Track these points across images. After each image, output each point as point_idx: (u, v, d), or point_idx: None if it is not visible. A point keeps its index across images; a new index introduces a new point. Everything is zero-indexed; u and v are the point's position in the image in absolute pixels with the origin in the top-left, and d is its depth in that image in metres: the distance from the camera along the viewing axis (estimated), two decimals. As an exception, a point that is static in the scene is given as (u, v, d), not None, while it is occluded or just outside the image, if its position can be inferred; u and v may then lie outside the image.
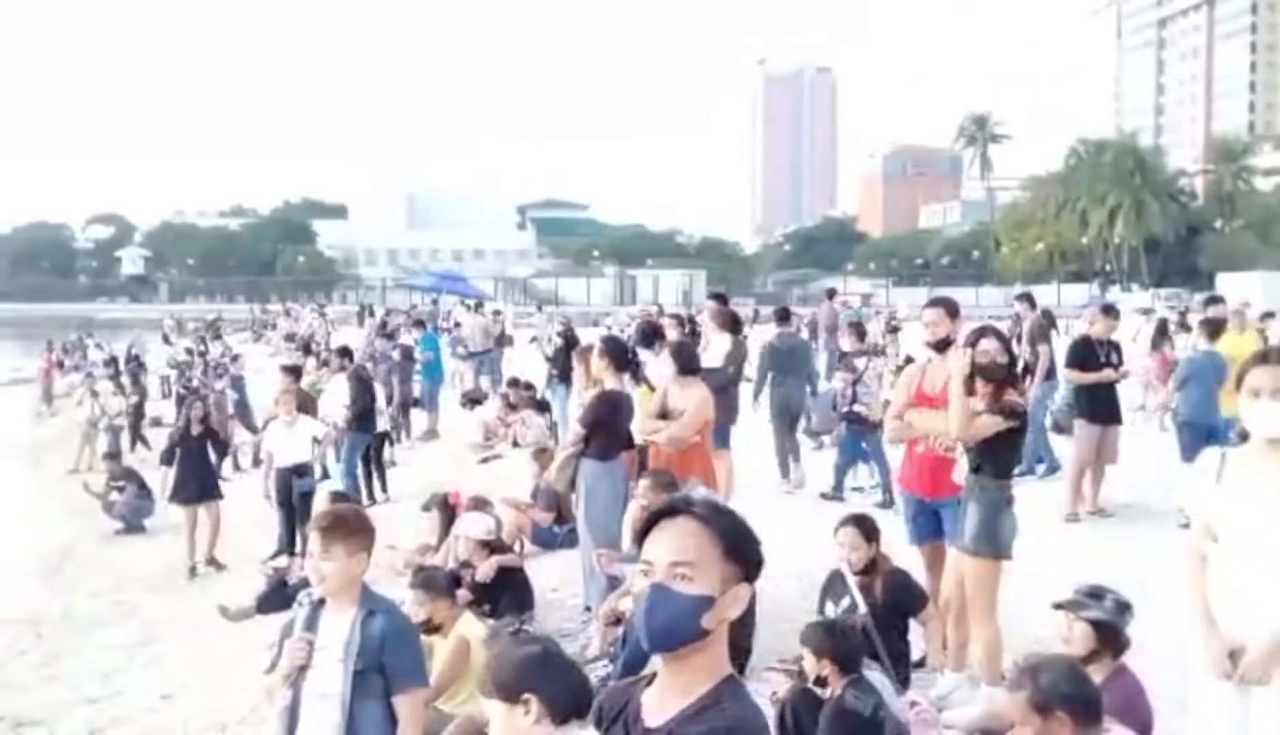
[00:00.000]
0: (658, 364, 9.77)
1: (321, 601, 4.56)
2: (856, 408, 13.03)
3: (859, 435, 13.05)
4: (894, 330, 27.54)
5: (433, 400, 21.53)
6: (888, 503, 11.64)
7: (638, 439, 8.89)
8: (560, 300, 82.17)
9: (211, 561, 13.82)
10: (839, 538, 6.84)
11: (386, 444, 17.04)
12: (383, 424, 16.56)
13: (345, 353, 16.82)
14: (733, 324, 12.51)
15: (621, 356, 9.00)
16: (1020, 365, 13.26)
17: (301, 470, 13.29)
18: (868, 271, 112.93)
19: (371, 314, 41.84)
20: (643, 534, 2.44)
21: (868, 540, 6.79)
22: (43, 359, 35.81)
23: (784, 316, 14.71)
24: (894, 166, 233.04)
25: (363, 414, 15.42)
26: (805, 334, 33.36)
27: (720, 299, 13.75)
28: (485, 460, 17.46)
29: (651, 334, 11.56)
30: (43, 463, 23.95)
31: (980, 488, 6.37)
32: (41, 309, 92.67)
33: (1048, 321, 15.19)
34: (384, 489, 15.98)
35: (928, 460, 7.10)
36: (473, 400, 21.53)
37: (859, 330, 15.38)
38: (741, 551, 2.40)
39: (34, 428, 29.81)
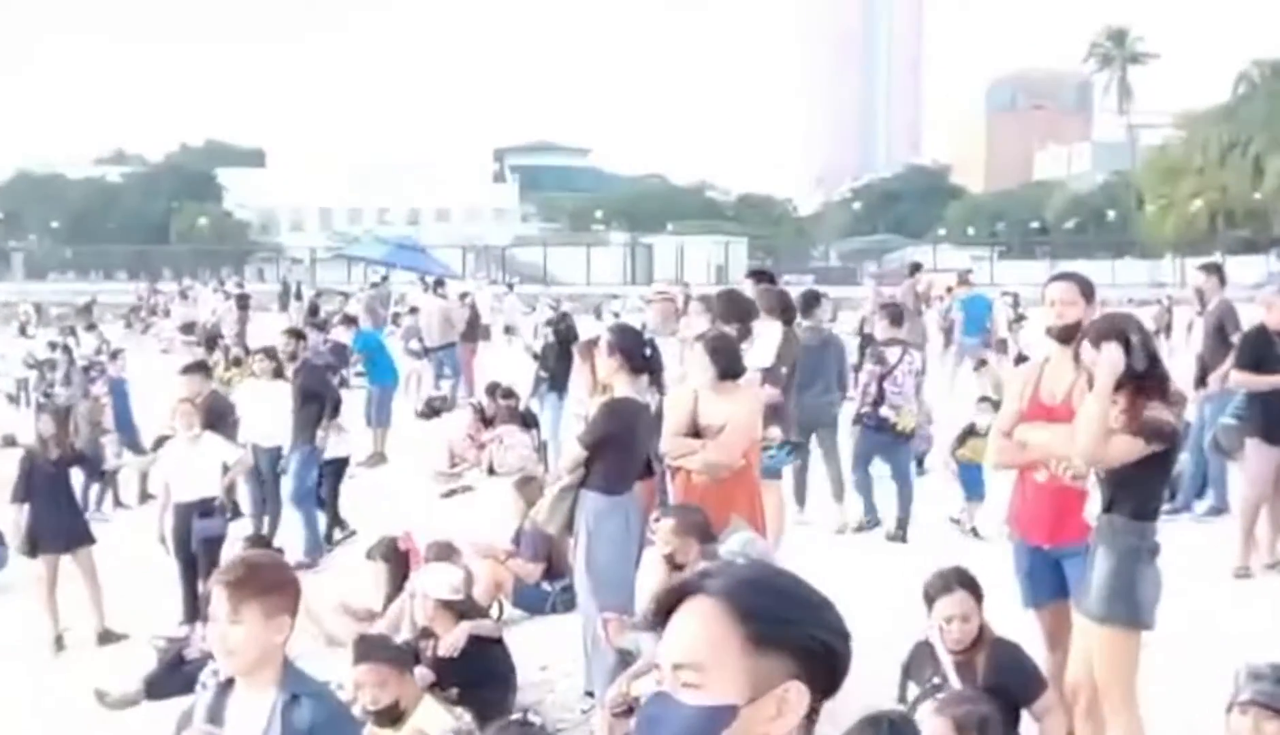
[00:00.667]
0: (688, 364, 9.79)
1: (230, 682, 4.53)
2: (882, 411, 13.29)
3: (878, 447, 13.49)
4: (1020, 318, 27.64)
5: (381, 412, 21.59)
6: (900, 536, 12.06)
7: (667, 463, 8.94)
8: (551, 277, 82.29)
9: (105, 634, 13.79)
10: (942, 605, 6.72)
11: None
12: (341, 446, 16.58)
13: (270, 354, 16.86)
14: (783, 309, 12.52)
15: (637, 353, 9.00)
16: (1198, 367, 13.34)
17: (206, 508, 13.31)
18: (965, 238, 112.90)
19: (298, 296, 42.13)
20: (662, 616, 2.31)
21: (979, 604, 6.73)
22: None
23: (812, 302, 14.67)
24: (1001, 98, 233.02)
25: (314, 422, 15.52)
26: (876, 321, 33.35)
27: (763, 276, 13.74)
28: (451, 493, 17.51)
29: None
30: None
31: (1112, 532, 6.35)
32: None
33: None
34: (341, 528, 16.01)
35: (1049, 493, 7.07)
36: (433, 410, 21.62)
37: (894, 313, 15.46)
38: (782, 635, 2.22)
39: None
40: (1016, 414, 7.21)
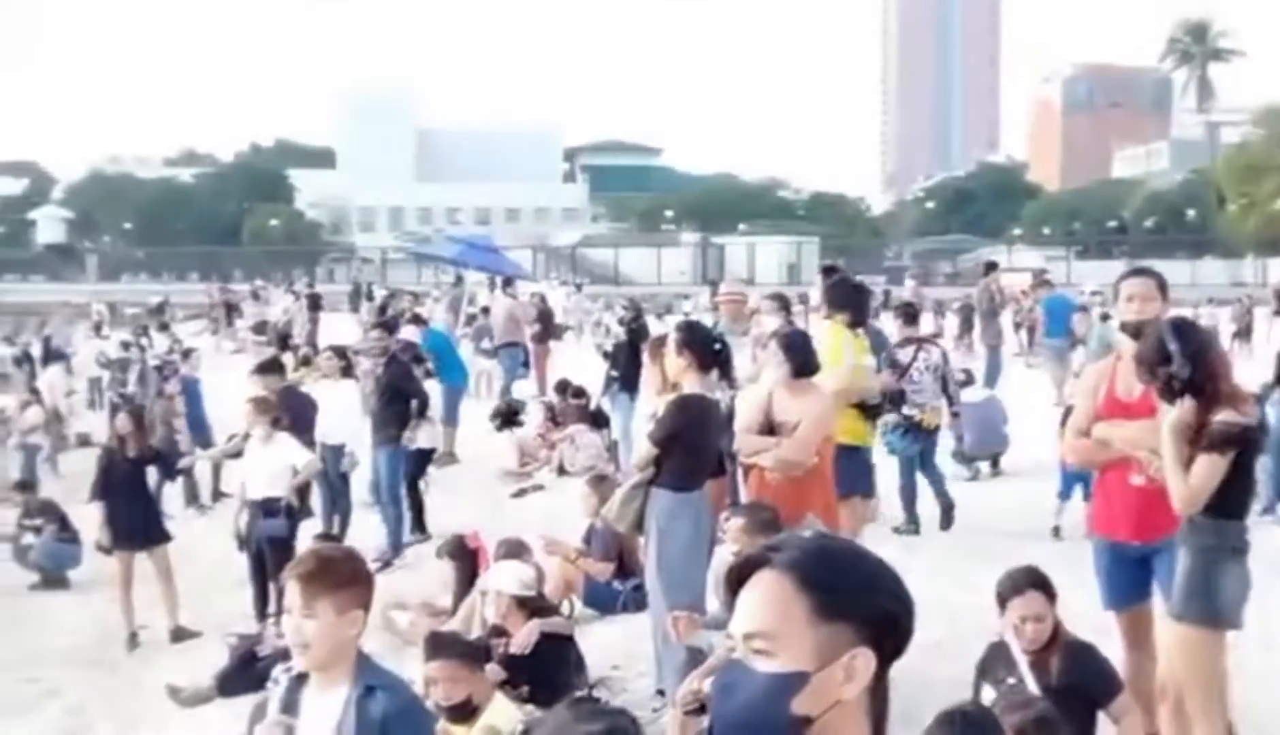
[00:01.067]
0: (762, 361, 9.79)
1: (303, 676, 4.54)
2: (905, 411, 13.44)
3: (913, 449, 13.65)
4: (1104, 318, 27.35)
5: (451, 413, 21.63)
6: (912, 528, 12.33)
7: (739, 461, 8.94)
8: (622, 277, 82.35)
9: (178, 631, 13.96)
10: (1015, 606, 6.68)
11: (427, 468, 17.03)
12: (428, 438, 16.61)
13: (339, 353, 16.97)
14: (854, 307, 12.49)
15: (707, 349, 9.01)
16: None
17: (271, 508, 13.41)
18: (1041, 238, 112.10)
19: (369, 296, 42.35)
20: (733, 590, 2.42)
21: (1052, 605, 6.69)
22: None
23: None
24: (1078, 95, 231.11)
25: (401, 418, 15.62)
26: (953, 323, 33.14)
27: (834, 273, 13.73)
28: (521, 492, 17.56)
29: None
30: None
31: (1191, 530, 6.29)
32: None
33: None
34: (422, 529, 16.07)
35: (1136, 490, 6.99)
36: (511, 413, 21.52)
37: (908, 313, 15.49)
38: (847, 604, 2.32)
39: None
40: (1092, 412, 7.14)
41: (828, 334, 10.57)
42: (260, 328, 36.52)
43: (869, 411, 10.86)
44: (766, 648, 2.31)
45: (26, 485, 19.52)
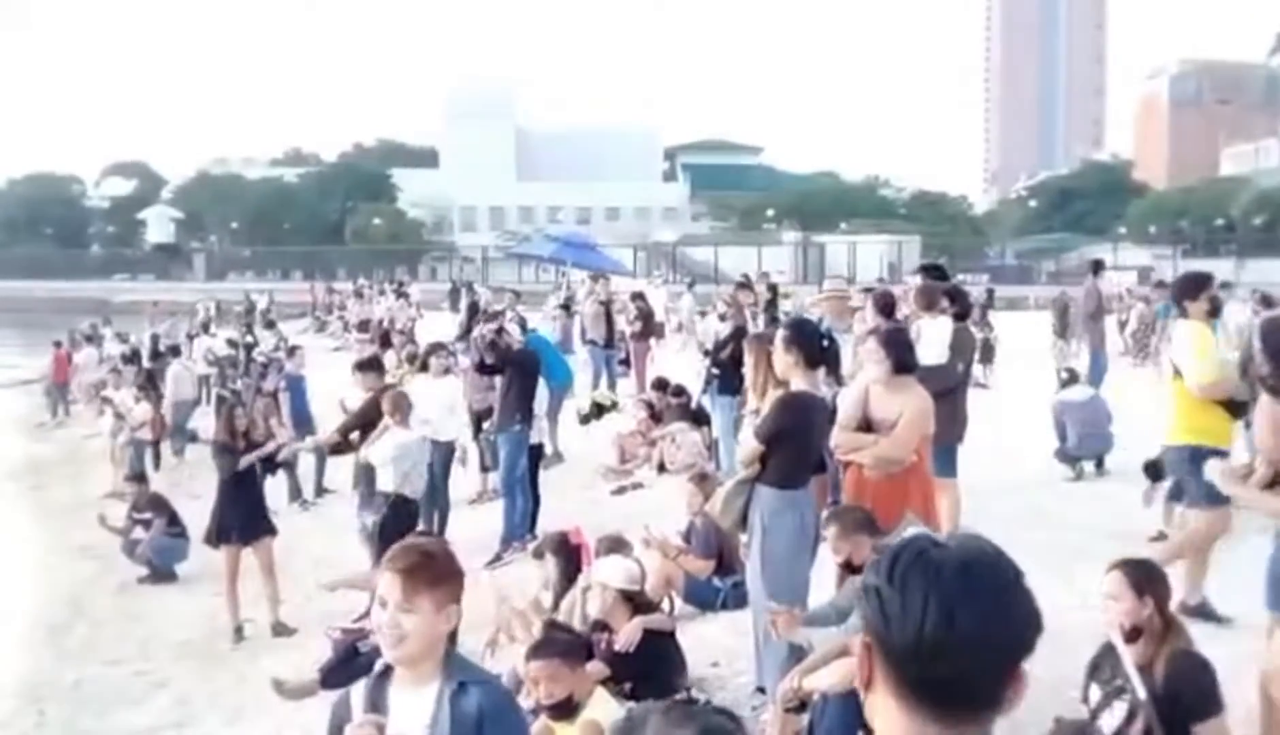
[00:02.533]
0: (862, 358, 9.73)
1: (386, 673, 4.42)
2: None
3: None
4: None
5: (554, 413, 21.45)
6: None
7: (837, 458, 8.90)
8: (722, 276, 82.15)
9: (278, 627, 14.15)
10: (1103, 584, 6.62)
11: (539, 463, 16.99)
12: (535, 434, 16.62)
13: (439, 348, 17.10)
14: (960, 303, 12.41)
15: (815, 346, 8.96)
16: None
17: (372, 501, 13.69)
18: (1147, 236, 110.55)
19: (470, 292, 42.51)
20: None
21: (1139, 593, 6.57)
22: (51, 354, 36.82)
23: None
24: (1185, 90, 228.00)
25: (524, 405, 15.68)
26: (1052, 321, 32.73)
27: (934, 271, 13.63)
28: (621, 490, 17.58)
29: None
30: (47, 488, 24.78)
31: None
32: (43, 288, 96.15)
33: None
34: (531, 527, 15.97)
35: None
36: (592, 415, 21.49)
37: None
38: None
39: (37, 443, 30.89)
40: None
41: (1191, 330, 10.23)
42: (364, 326, 36.87)
43: (1236, 409, 10.24)
44: None
45: (137, 478, 19.63)
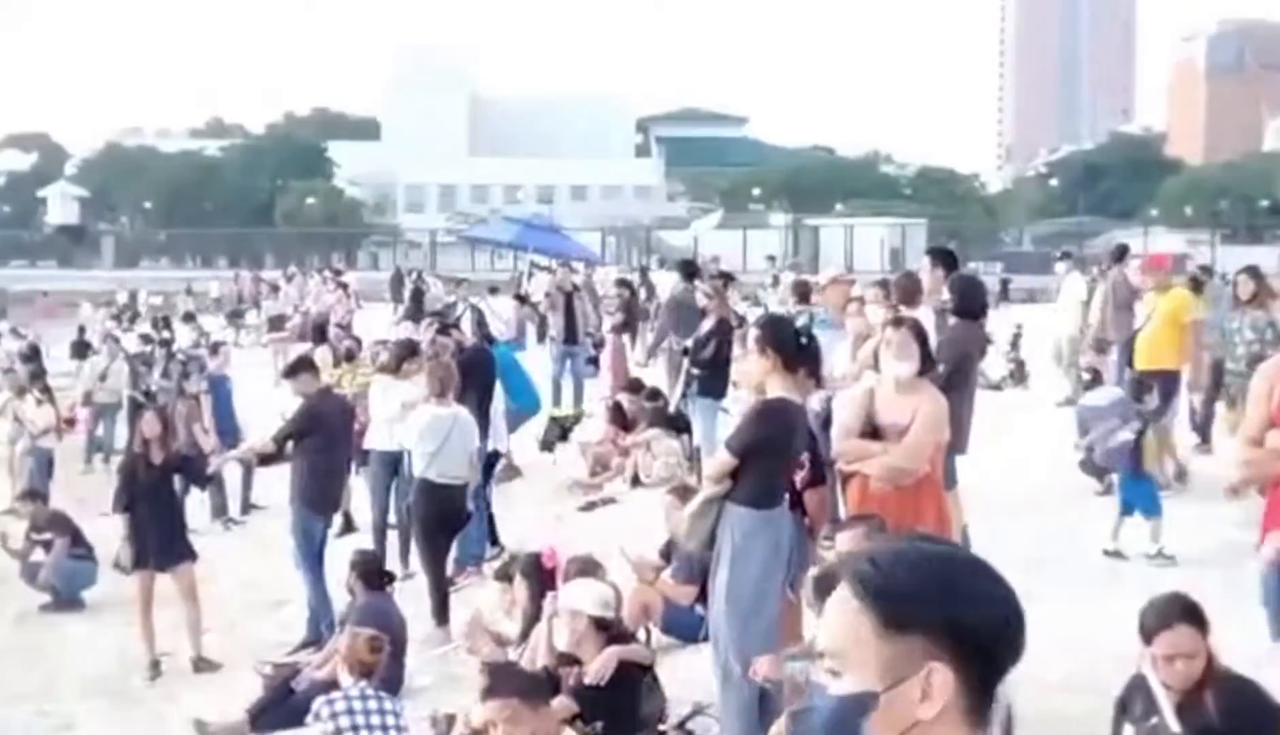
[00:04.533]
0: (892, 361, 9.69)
1: None
2: None
3: None
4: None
5: (516, 422, 21.14)
6: None
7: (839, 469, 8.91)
8: (704, 263, 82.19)
9: (200, 661, 14.10)
10: (1161, 643, 6.43)
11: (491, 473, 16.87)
12: (492, 439, 16.51)
13: (414, 352, 16.95)
14: (963, 296, 12.43)
15: (791, 345, 8.94)
16: None
17: None
18: (1181, 219, 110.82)
19: (417, 280, 42.38)
20: (821, 596, 2.56)
21: (1205, 637, 6.47)
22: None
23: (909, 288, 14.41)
24: (1224, 55, 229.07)
25: (479, 410, 15.67)
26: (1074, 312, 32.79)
27: (943, 256, 13.60)
28: (590, 506, 17.58)
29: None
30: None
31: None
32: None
33: None
34: (494, 540, 16.04)
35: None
36: (561, 431, 21.28)
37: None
38: (915, 614, 2.32)
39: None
40: (1265, 419, 7.10)
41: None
42: (278, 322, 36.62)
43: None
44: (836, 667, 2.36)
45: (35, 495, 19.39)
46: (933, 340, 11.79)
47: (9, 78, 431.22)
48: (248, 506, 20.45)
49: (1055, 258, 28.60)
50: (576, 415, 22.40)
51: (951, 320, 12.16)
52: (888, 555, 2.39)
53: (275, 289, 50.20)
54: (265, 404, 21.55)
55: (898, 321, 9.63)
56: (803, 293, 20.51)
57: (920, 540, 2.50)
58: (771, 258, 54.12)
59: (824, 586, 2.47)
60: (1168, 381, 15.74)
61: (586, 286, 30.72)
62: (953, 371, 11.98)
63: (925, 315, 12.18)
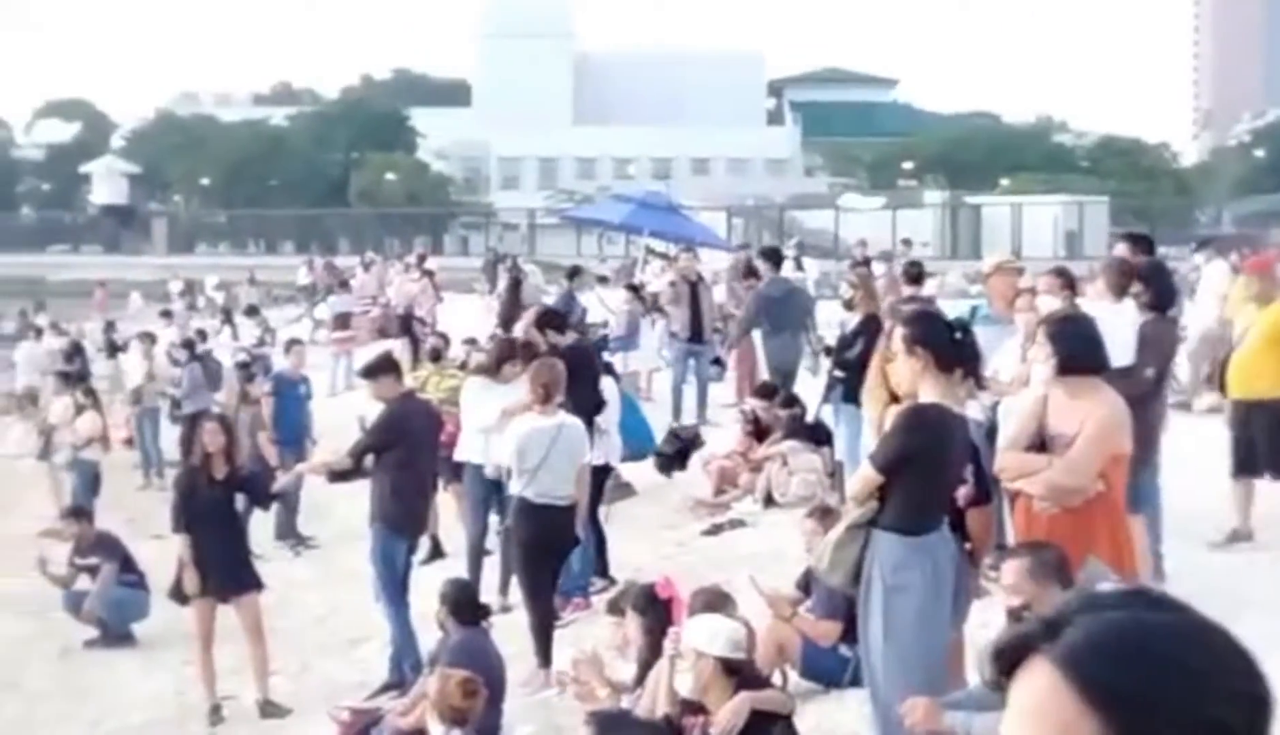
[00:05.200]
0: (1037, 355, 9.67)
1: None
2: None
3: None
4: None
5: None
6: None
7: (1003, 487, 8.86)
8: (844, 247, 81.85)
9: (267, 706, 14.20)
10: None
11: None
12: (603, 452, 16.33)
13: (515, 348, 16.88)
14: (1154, 289, 12.36)
15: (944, 341, 8.90)
16: None
17: None
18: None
19: (514, 269, 42.46)
20: (1003, 675, 2.23)
21: None
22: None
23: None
24: None
25: (588, 418, 15.56)
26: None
27: (1142, 243, 13.55)
28: (716, 529, 17.57)
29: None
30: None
31: None
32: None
33: None
34: (604, 571, 16.05)
35: None
36: (673, 457, 21.04)
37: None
38: (1153, 723, 2.07)
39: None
40: None
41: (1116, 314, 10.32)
42: (343, 320, 36.57)
43: None
44: None
45: (79, 514, 19.34)
46: (1133, 340, 11.77)
47: (47, 36, 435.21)
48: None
49: (1192, 248, 28.27)
50: (695, 435, 21.93)
51: (1144, 316, 12.09)
52: (1110, 639, 2.11)
53: (345, 283, 50.32)
54: (321, 414, 21.79)
55: (1043, 321, 9.56)
56: (914, 276, 20.56)
57: (1137, 606, 2.17)
58: (907, 241, 53.54)
59: (1008, 660, 2.17)
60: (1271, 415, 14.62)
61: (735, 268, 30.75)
62: (1160, 369, 11.95)
63: (1129, 310, 12.12)
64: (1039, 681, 2.11)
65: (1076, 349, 8.95)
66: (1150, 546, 11.56)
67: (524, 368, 15.35)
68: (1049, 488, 8.65)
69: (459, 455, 16.40)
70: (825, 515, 12.06)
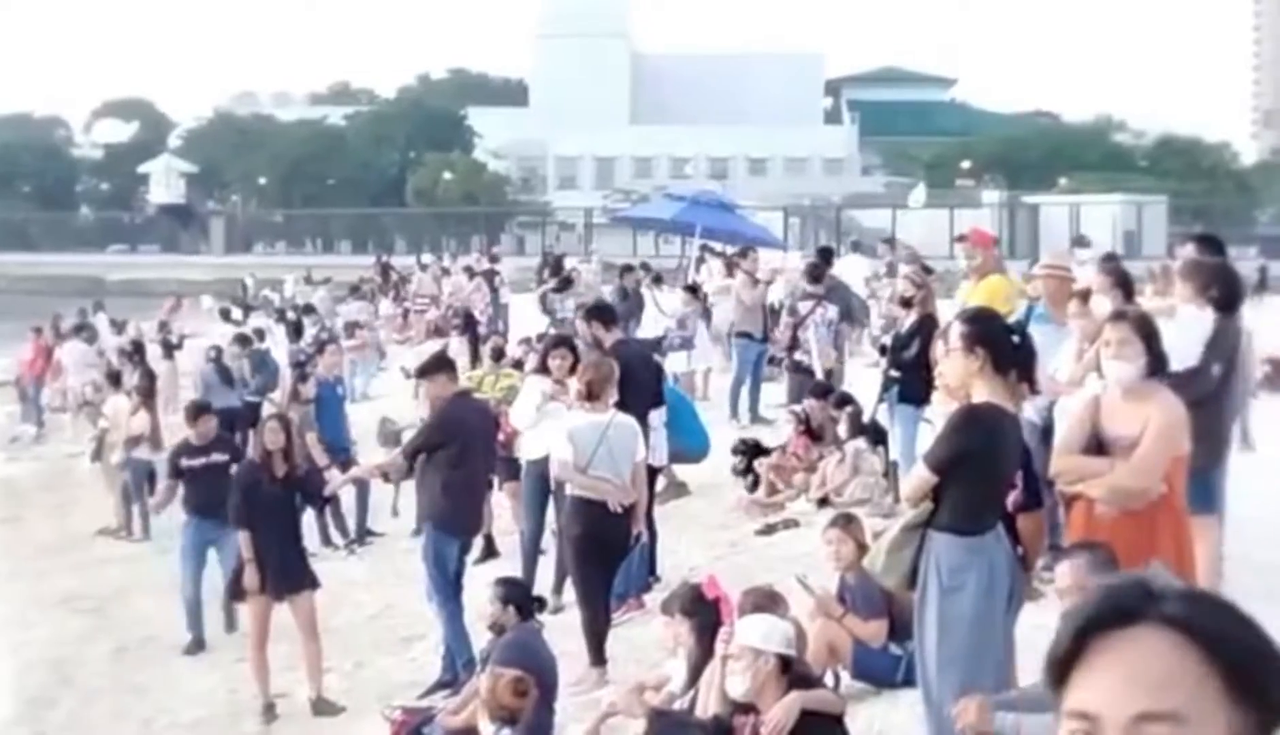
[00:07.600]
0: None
1: None
2: (796, 355, 14.46)
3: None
4: None
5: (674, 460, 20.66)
6: None
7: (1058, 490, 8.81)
8: (901, 247, 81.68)
9: (321, 704, 14.25)
10: None
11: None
12: (655, 453, 16.10)
13: (564, 342, 16.80)
14: (1223, 289, 12.28)
15: (1004, 341, 8.84)
16: None
17: None
18: None
19: (557, 270, 42.45)
20: (1065, 661, 2.26)
21: None
22: (30, 346, 37.48)
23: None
24: None
25: (641, 413, 15.33)
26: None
27: (1211, 245, 13.49)
28: (769, 529, 17.54)
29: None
30: (24, 522, 25.02)
31: None
32: (18, 262, 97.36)
33: None
34: (652, 569, 15.88)
35: None
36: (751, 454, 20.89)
37: (813, 272, 15.29)
38: (1266, 680, 2.17)
39: (9, 463, 31.29)
40: None
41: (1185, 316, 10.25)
42: (404, 312, 36.35)
43: None
44: (1175, 732, 2.13)
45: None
46: (1201, 341, 11.69)
47: (106, 35, 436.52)
48: (365, 532, 20.40)
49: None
50: (756, 443, 21.69)
51: (1211, 316, 12.01)
52: (1219, 606, 2.24)
53: (401, 285, 50.17)
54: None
55: (1119, 315, 9.47)
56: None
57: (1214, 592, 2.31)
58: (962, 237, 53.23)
59: (1099, 622, 2.22)
60: None
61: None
62: (1226, 372, 11.85)
63: (1198, 312, 12.04)
64: (1158, 645, 2.18)
65: (1161, 351, 8.91)
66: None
67: (572, 363, 15.38)
68: (1114, 490, 8.58)
69: (518, 453, 16.43)
70: (849, 523, 12.01)
